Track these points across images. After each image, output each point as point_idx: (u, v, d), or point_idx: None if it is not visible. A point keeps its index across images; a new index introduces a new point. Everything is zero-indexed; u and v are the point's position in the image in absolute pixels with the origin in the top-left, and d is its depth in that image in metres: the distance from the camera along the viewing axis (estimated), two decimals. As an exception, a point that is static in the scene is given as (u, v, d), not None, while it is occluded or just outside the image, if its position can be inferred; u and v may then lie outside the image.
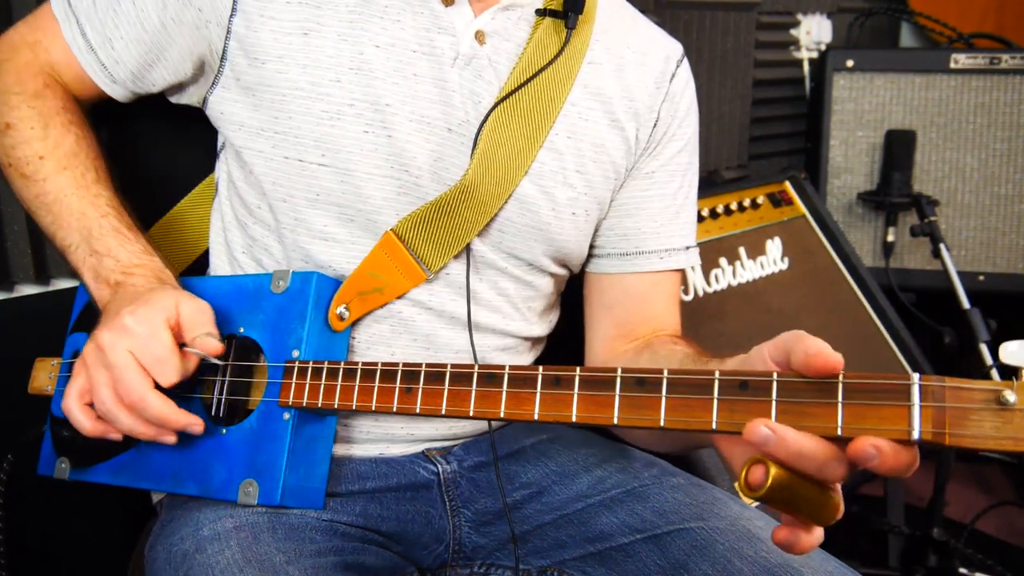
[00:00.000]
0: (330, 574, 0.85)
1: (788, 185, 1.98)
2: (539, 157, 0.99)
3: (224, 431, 0.92)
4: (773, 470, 0.61)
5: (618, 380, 0.71)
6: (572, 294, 1.17)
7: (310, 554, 0.87)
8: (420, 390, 0.82)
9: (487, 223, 0.98)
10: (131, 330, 0.85)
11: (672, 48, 1.09)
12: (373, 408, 0.85)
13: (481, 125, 0.96)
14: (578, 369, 0.73)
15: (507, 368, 0.77)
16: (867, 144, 2.22)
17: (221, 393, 0.94)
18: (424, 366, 0.83)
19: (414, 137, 0.95)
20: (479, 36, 0.97)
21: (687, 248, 1.11)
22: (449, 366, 0.81)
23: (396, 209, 0.96)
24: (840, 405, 0.62)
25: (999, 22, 2.59)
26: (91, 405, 0.90)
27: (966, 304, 1.82)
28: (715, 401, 0.66)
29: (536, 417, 0.75)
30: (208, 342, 0.89)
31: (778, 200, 1.93)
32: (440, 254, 0.97)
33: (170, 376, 0.86)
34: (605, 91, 1.03)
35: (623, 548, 0.97)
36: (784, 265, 1.84)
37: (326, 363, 0.89)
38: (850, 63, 2.20)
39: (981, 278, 2.16)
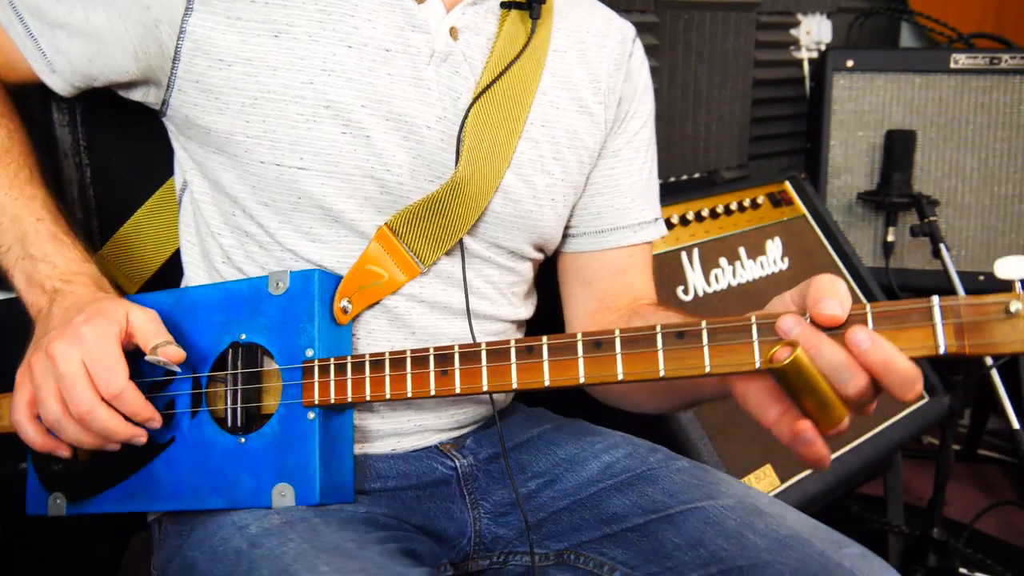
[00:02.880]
0: (398, 558, 0.86)
1: (788, 185, 1.97)
2: (519, 147, 1.01)
3: (243, 440, 0.91)
4: (799, 350, 0.69)
5: (659, 336, 0.77)
6: (544, 278, 1.19)
7: (373, 541, 0.88)
8: (457, 371, 0.85)
9: (477, 217, 0.99)
10: (86, 339, 0.84)
11: (627, 29, 1.14)
12: (409, 395, 0.87)
13: (463, 121, 0.96)
14: (617, 330, 0.79)
15: (545, 339, 0.82)
16: (867, 144, 2.22)
17: (235, 403, 0.92)
18: (457, 347, 0.86)
19: (392, 136, 0.95)
20: (453, 32, 0.98)
21: (655, 220, 1.16)
22: (484, 344, 0.84)
23: (379, 207, 0.97)
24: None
25: (999, 22, 2.59)
26: (39, 417, 0.88)
27: (966, 304, 1.81)
28: (755, 344, 0.73)
29: (582, 380, 0.80)
30: (170, 350, 0.88)
31: (778, 200, 1.92)
32: (433, 249, 0.98)
33: (115, 388, 0.84)
34: (572, 78, 1.06)
35: (638, 528, 0.98)
36: (784, 265, 1.83)
37: (349, 358, 0.89)
38: (850, 63, 2.20)
39: (981, 278, 2.16)
